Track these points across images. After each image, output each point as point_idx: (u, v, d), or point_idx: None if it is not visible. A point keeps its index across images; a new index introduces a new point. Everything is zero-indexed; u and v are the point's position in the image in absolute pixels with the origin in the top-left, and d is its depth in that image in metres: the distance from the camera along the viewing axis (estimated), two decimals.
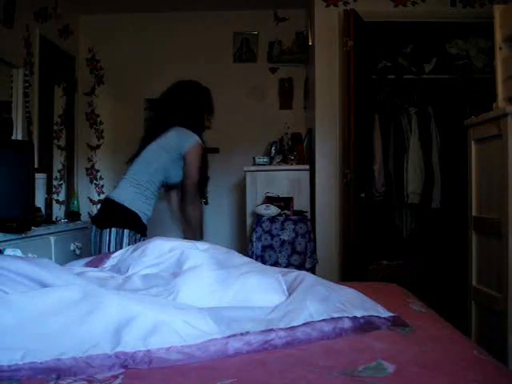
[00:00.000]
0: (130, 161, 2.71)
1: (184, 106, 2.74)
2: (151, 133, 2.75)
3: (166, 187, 2.81)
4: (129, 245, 2.45)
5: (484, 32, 4.11)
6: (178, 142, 2.63)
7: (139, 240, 2.58)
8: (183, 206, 2.76)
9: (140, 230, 2.63)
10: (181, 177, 2.69)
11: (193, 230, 2.75)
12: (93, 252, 2.63)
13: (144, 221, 2.64)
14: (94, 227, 2.64)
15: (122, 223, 2.56)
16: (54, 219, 3.83)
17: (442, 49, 4.60)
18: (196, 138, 2.65)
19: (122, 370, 1.15)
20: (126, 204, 2.57)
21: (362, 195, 3.87)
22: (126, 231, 2.55)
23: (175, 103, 2.75)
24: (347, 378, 1.12)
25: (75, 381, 1.09)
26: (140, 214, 2.60)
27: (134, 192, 2.59)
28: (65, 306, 1.31)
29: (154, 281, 1.71)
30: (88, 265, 2.02)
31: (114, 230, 2.54)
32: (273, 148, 4.29)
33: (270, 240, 3.80)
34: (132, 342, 1.21)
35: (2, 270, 1.44)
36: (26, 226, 2.86)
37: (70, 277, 1.53)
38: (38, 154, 3.73)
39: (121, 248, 2.38)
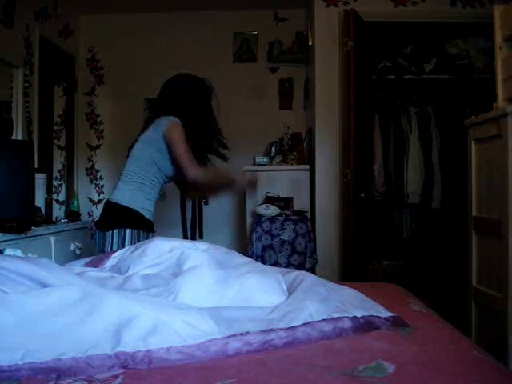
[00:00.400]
0: (126, 157, 2.67)
1: (173, 97, 2.67)
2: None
3: (171, 179, 2.69)
4: (132, 244, 2.42)
5: (484, 32, 4.11)
6: (155, 130, 2.56)
7: (144, 237, 2.54)
8: (189, 185, 2.63)
9: (144, 227, 2.57)
10: (175, 171, 2.60)
11: (212, 183, 2.62)
12: (97, 251, 2.60)
13: (148, 217, 2.57)
14: (97, 231, 2.62)
15: (124, 223, 2.52)
16: (54, 219, 3.83)
17: (442, 49, 4.60)
18: (171, 118, 2.55)
19: (122, 370, 1.15)
20: (125, 203, 2.53)
21: (362, 195, 3.87)
22: (128, 231, 2.51)
23: (166, 95, 2.70)
24: (347, 378, 1.12)
25: (75, 381, 1.09)
26: (141, 211, 2.55)
27: (132, 190, 2.55)
28: (65, 306, 1.31)
29: (154, 281, 1.71)
30: (88, 265, 2.02)
31: (116, 231, 2.50)
32: (273, 148, 4.29)
33: (270, 240, 3.80)
34: (132, 342, 1.21)
35: (2, 269, 1.44)
36: (26, 226, 2.86)
37: (69, 277, 1.53)
38: (38, 154, 3.73)
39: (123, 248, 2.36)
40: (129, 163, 2.60)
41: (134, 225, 2.53)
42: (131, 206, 2.53)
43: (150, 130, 2.59)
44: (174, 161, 2.54)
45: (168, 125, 2.52)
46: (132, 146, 2.64)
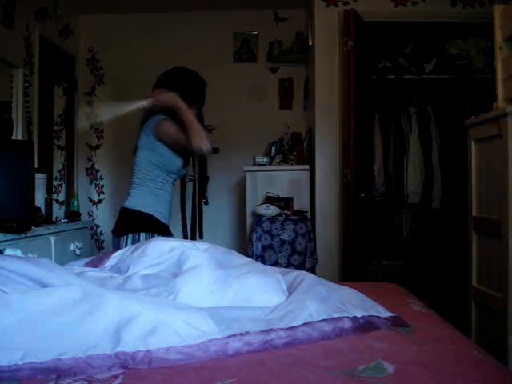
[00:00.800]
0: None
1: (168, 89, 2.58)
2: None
3: (179, 175, 2.69)
4: None
5: (484, 32, 4.11)
6: (145, 132, 2.56)
7: None
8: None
9: (159, 230, 2.55)
10: (180, 162, 2.60)
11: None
12: None
13: (163, 220, 2.57)
14: (113, 237, 2.63)
15: (138, 227, 2.52)
16: (54, 219, 3.83)
17: (442, 49, 4.61)
18: (156, 118, 2.53)
19: (122, 370, 1.15)
20: (138, 208, 2.54)
21: (362, 195, 3.87)
22: (143, 235, 2.50)
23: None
24: (347, 378, 1.12)
25: (75, 381, 1.09)
26: (155, 215, 2.55)
27: (144, 194, 2.56)
28: (65, 306, 1.31)
29: (154, 281, 1.71)
30: (88, 265, 2.02)
31: (130, 235, 2.50)
32: (273, 148, 4.29)
33: (270, 240, 3.80)
34: (132, 342, 1.21)
35: (2, 269, 1.44)
36: (26, 226, 2.86)
37: (69, 277, 1.53)
38: (38, 154, 3.73)
39: None
40: (134, 171, 2.62)
41: (148, 229, 2.51)
42: (145, 211, 2.53)
43: (142, 135, 2.59)
44: (180, 150, 2.53)
45: (156, 125, 2.52)
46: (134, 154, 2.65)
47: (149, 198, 2.55)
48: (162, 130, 2.51)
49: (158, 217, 2.55)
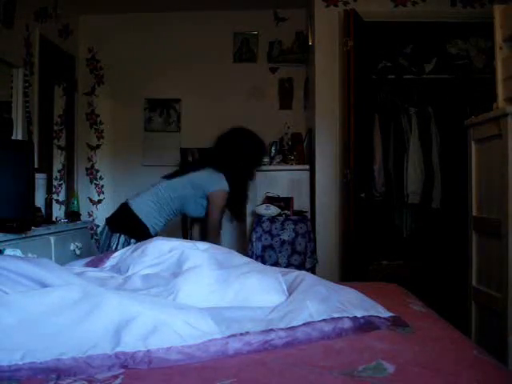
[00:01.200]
0: (164, 178, 2.89)
1: (235, 153, 2.89)
2: (191, 165, 2.98)
3: (183, 215, 3.00)
4: None
5: (484, 32, 4.11)
6: (206, 182, 2.78)
7: None
8: (204, 234, 2.96)
9: None
10: (198, 212, 2.86)
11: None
12: (100, 248, 2.83)
13: (152, 233, 2.75)
14: (106, 227, 2.80)
15: (132, 233, 2.70)
16: (53, 219, 3.83)
17: (442, 49, 4.60)
18: (224, 184, 2.79)
19: (122, 370, 1.15)
20: (140, 216, 2.72)
21: (362, 195, 3.87)
22: (133, 241, 2.65)
23: (227, 147, 2.91)
24: (347, 378, 1.12)
25: (75, 381, 1.10)
26: (151, 229, 2.75)
27: (151, 208, 2.75)
28: (65, 306, 1.31)
29: (154, 281, 1.71)
30: (88, 265, 2.02)
31: (122, 236, 2.69)
32: (273, 148, 4.29)
33: (270, 240, 3.80)
34: (132, 342, 1.21)
35: (2, 269, 1.44)
36: (26, 226, 2.86)
37: (69, 277, 1.53)
38: (38, 154, 3.72)
39: None
40: (164, 186, 2.82)
41: (139, 237, 2.63)
42: (144, 221, 2.73)
43: (200, 177, 2.82)
44: (208, 215, 2.86)
45: (217, 190, 2.79)
46: (177, 173, 2.88)
47: (153, 213, 2.75)
48: (215, 198, 2.80)
49: (151, 230, 2.76)
